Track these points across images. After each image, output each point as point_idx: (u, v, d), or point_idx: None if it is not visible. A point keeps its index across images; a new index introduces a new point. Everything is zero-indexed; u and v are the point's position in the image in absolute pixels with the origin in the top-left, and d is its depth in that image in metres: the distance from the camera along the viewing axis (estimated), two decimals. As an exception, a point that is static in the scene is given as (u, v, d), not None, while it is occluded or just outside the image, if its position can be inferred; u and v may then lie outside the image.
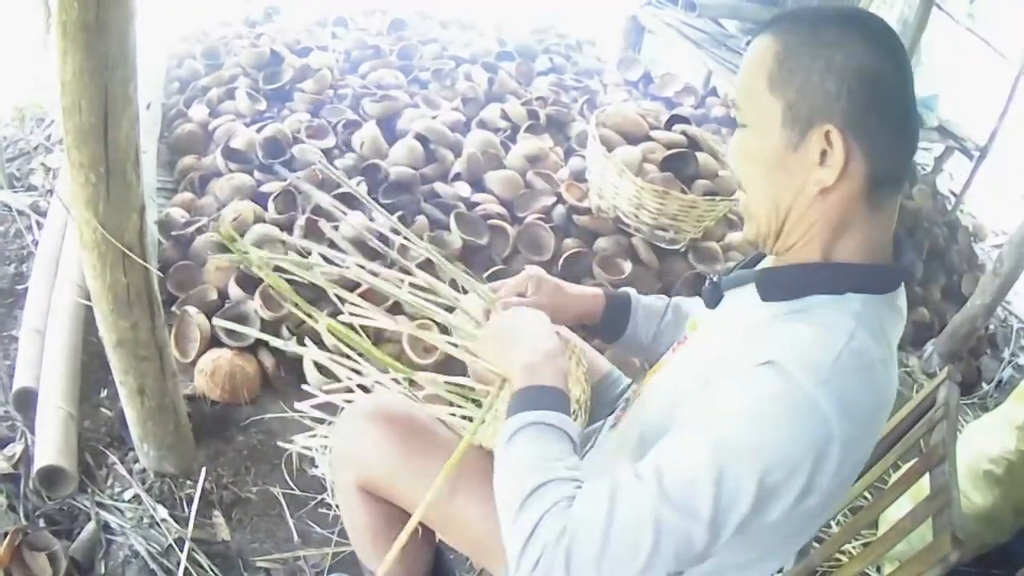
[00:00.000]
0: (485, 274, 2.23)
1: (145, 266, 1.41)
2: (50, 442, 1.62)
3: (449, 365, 1.85)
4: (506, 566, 1.08)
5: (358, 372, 1.18)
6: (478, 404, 1.12)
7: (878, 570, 1.91)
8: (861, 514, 1.32)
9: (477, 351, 1.13)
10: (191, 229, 2.28)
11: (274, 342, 1.16)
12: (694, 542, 0.79)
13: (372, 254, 1.80)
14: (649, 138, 2.71)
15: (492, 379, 1.11)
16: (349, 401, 1.20)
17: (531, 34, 4.00)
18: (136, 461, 1.74)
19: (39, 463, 1.59)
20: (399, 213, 2.33)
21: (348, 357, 1.18)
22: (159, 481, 1.72)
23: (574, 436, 0.92)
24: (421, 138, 2.68)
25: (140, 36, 1.23)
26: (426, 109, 2.98)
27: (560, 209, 2.61)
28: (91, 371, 1.92)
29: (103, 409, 1.86)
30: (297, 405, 1.24)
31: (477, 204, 2.52)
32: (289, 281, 1.14)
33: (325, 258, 1.24)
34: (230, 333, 2.02)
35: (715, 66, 3.97)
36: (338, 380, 1.20)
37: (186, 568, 1.56)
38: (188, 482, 1.74)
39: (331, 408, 1.29)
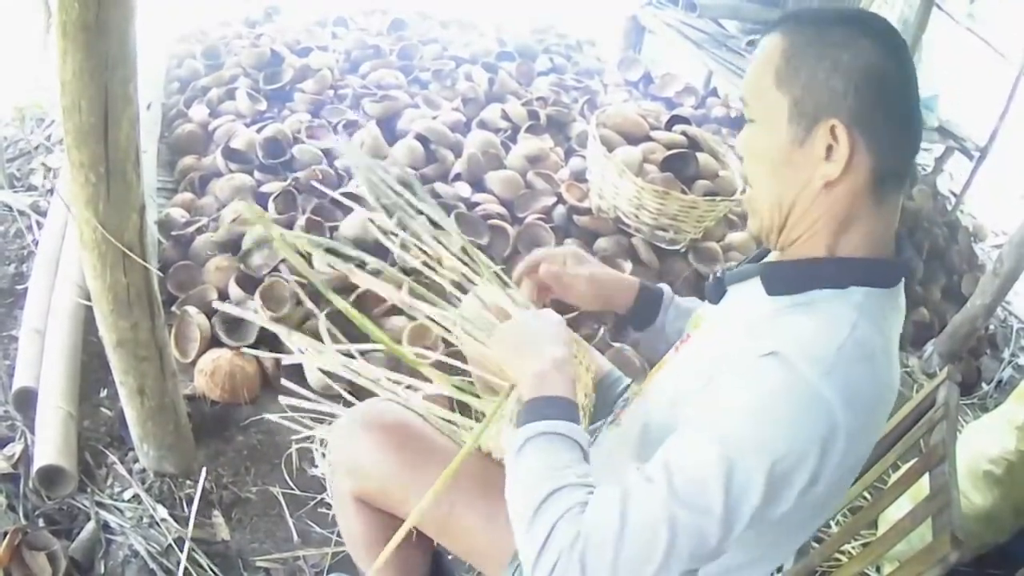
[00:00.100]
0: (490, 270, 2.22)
1: (145, 266, 1.41)
2: (50, 442, 1.62)
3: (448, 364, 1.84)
4: (504, 571, 1.08)
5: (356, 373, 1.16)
6: (476, 395, 1.11)
7: (877, 570, 1.91)
8: (861, 514, 1.32)
9: (487, 351, 1.11)
10: (191, 229, 2.28)
11: (274, 328, 1.13)
12: (708, 538, 0.79)
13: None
14: (649, 138, 2.71)
15: (492, 367, 1.09)
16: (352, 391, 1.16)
17: (531, 34, 4.01)
18: (136, 461, 1.74)
19: (39, 463, 1.59)
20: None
21: (351, 356, 1.16)
22: (159, 481, 1.72)
23: (584, 444, 0.92)
24: (421, 138, 2.68)
25: (140, 36, 1.23)
26: (426, 109, 2.98)
27: (560, 209, 2.61)
28: (91, 371, 1.92)
29: (103, 409, 1.86)
30: (283, 402, 1.23)
31: (477, 204, 2.52)
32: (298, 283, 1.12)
33: (334, 252, 1.22)
34: (230, 333, 2.02)
35: (715, 66, 3.97)
36: (339, 380, 1.19)
37: (185, 568, 1.56)
38: (188, 482, 1.74)
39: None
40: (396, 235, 1.26)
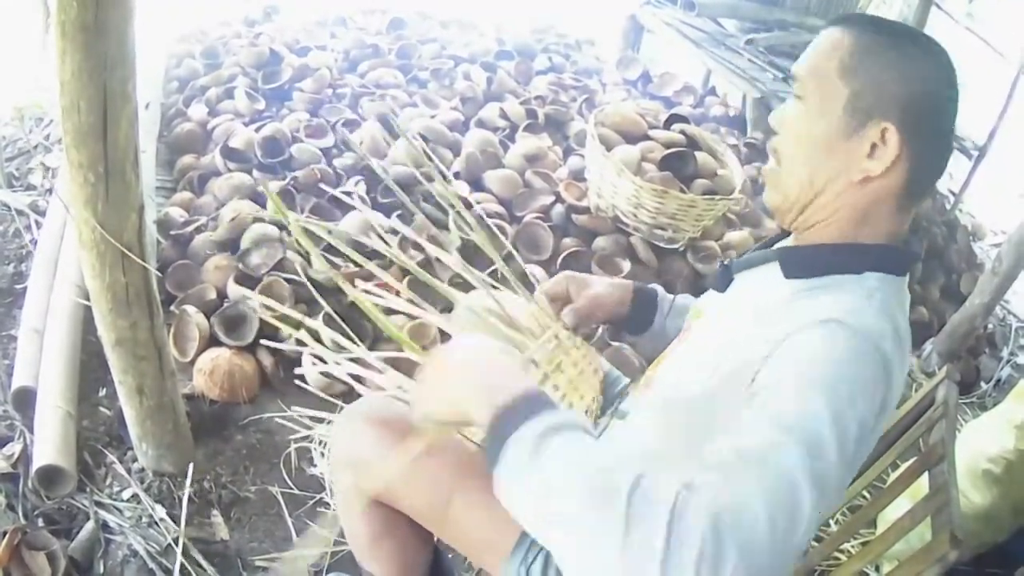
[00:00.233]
0: (485, 273, 2.22)
1: (144, 265, 1.41)
2: (49, 441, 1.62)
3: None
4: (503, 564, 1.08)
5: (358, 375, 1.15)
6: None
7: (877, 569, 1.91)
8: (860, 513, 1.32)
9: (419, 404, 0.92)
10: (190, 228, 2.28)
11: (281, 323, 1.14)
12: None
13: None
14: (648, 137, 2.71)
15: None
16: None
17: (530, 33, 4.01)
18: (135, 460, 1.74)
19: (38, 462, 1.59)
20: (398, 212, 2.33)
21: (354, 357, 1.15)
22: (158, 480, 1.72)
23: (589, 428, 0.82)
24: (421, 138, 2.68)
25: (139, 36, 1.23)
26: (425, 108, 2.98)
27: (559, 208, 2.61)
28: (90, 370, 1.91)
29: (102, 408, 1.86)
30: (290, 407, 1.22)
31: (476, 203, 2.52)
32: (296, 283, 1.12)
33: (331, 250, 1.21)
34: (228, 333, 2.02)
35: (714, 65, 3.97)
36: (340, 380, 1.18)
37: (184, 567, 1.56)
38: (187, 481, 1.74)
39: (329, 406, 1.29)
40: (397, 233, 1.26)
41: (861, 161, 0.90)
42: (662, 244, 2.54)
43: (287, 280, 2.10)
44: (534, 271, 2.32)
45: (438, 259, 1.24)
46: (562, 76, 3.64)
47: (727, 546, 0.65)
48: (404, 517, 1.16)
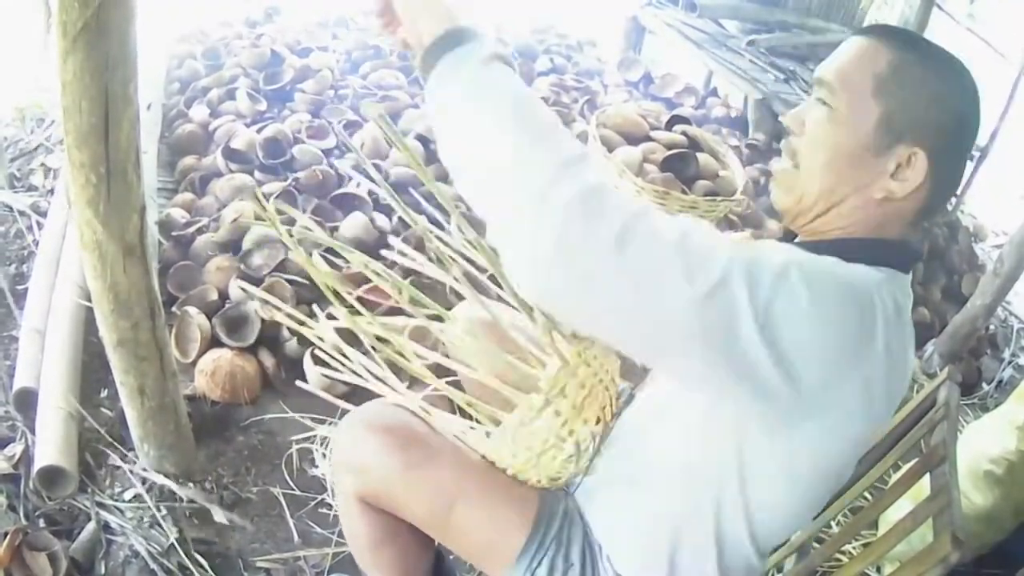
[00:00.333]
0: (486, 275, 2.22)
1: (146, 266, 1.41)
2: (50, 442, 1.62)
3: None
4: (508, 573, 1.08)
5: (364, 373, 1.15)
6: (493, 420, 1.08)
7: (878, 570, 1.91)
8: (861, 514, 1.32)
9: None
10: (191, 229, 2.28)
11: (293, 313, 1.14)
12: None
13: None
14: (649, 138, 2.71)
15: (494, 380, 1.06)
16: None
17: (531, 34, 4.01)
18: (136, 461, 1.74)
19: (39, 463, 1.59)
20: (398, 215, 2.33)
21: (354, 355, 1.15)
22: (159, 481, 1.71)
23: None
24: (422, 138, 2.68)
25: (140, 36, 1.23)
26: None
27: (560, 209, 2.60)
28: (91, 371, 1.91)
29: (103, 409, 1.86)
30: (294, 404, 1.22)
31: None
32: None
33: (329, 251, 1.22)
34: (230, 334, 2.02)
35: (716, 66, 3.97)
36: (342, 381, 1.18)
37: (186, 568, 1.56)
38: (189, 482, 1.74)
39: (331, 409, 1.28)
40: (397, 234, 1.26)
41: (884, 180, 0.89)
42: (663, 245, 2.53)
43: (289, 281, 2.11)
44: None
45: (439, 259, 1.24)
46: (563, 77, 3.64)
47: (592, 206, 0.76)
48: (405, 523, 1.15)
